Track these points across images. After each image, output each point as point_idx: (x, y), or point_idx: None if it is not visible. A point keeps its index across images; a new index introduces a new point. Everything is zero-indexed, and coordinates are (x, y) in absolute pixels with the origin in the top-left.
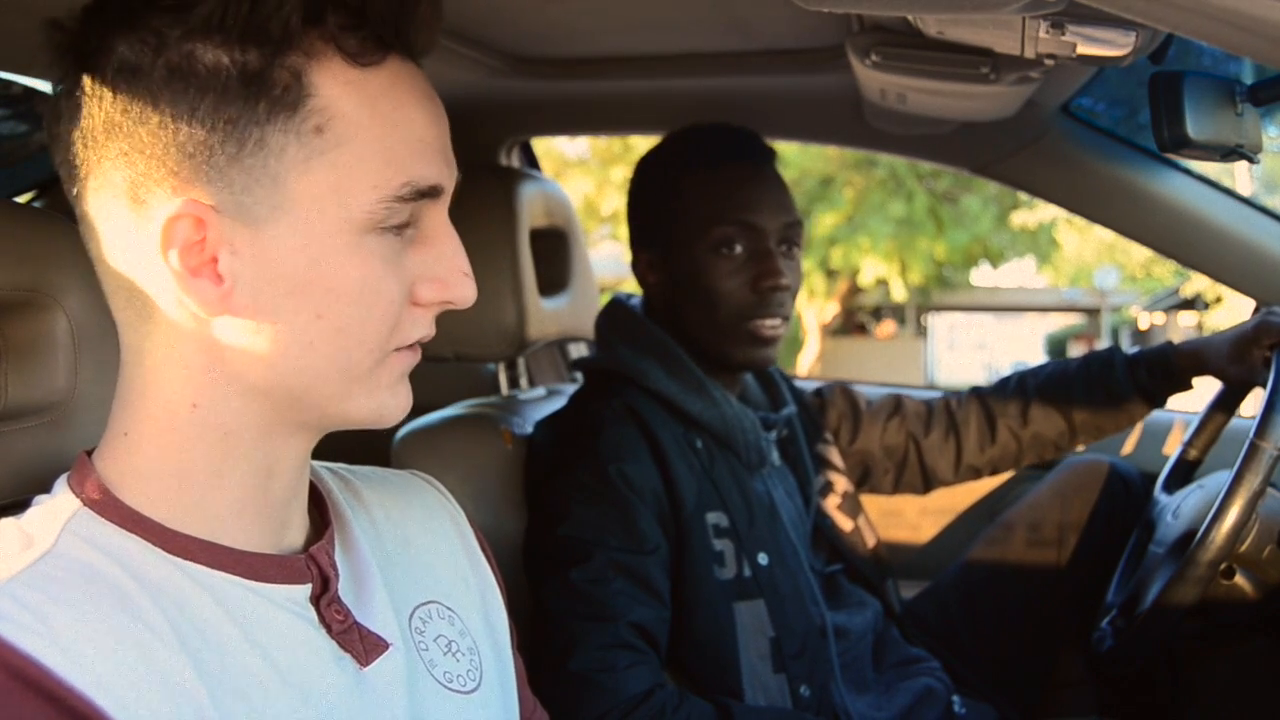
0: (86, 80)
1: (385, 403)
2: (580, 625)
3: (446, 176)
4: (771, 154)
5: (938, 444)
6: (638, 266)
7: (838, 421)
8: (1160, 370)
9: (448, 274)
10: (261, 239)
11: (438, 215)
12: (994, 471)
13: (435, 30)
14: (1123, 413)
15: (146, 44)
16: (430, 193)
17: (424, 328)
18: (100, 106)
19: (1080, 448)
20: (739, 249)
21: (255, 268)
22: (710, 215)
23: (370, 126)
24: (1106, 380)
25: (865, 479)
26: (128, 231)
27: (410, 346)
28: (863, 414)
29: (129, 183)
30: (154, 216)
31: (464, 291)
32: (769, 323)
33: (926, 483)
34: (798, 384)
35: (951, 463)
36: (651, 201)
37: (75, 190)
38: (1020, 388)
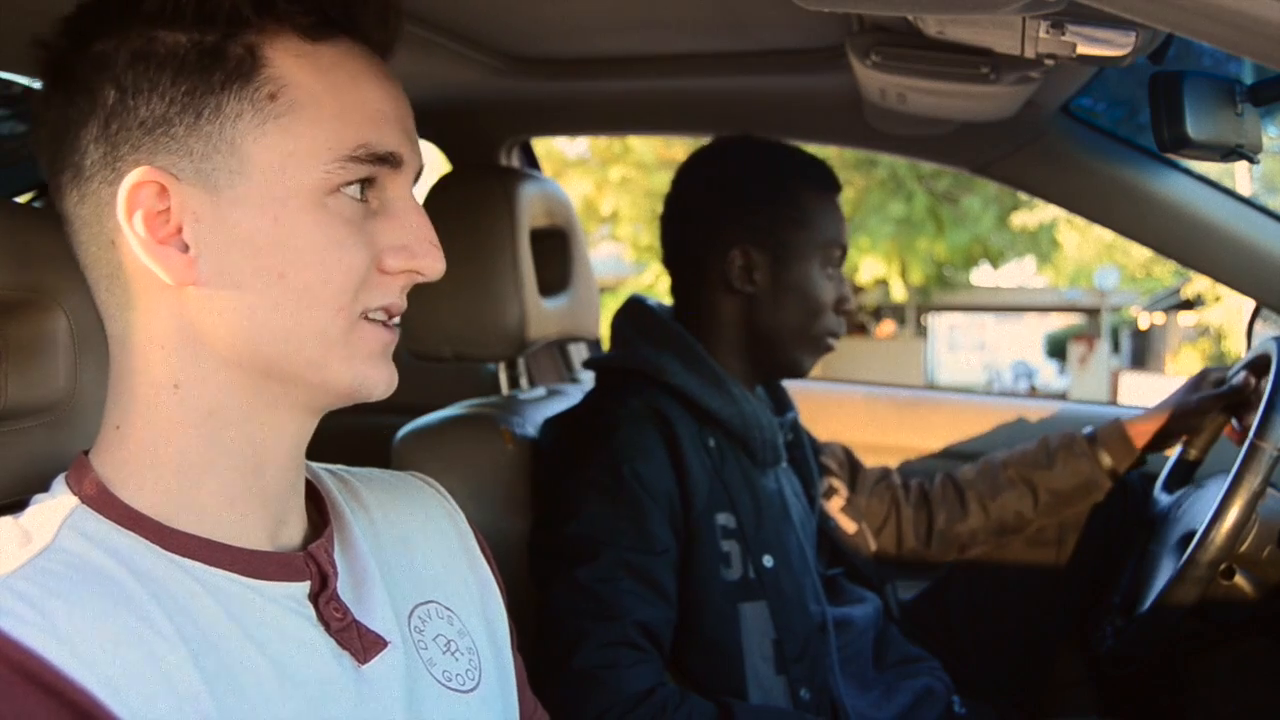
0: (61, 79)
1: (364, 373)
2: (586, 623)
3: (408, 150)
4: None
5: (911, 518)
6: (727, 258)
7: (837, 470)
8: (1116, 441)
9: (414, 243)
10: (222, 205)
11: (401, 188)
12: (962, 551)
13: (388, 21)
14: (1084, 485)
15: (113, 37)
16: (389, 160)
17: (392, 295)
18: (73, 100)
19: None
20: (832, 270)
21: (218, 234)
22: (829, 234)
23: (323, 93)
24: (1068, 453)
25: None
26: (102, 214)
27: (385, 323)
28: (860, 471)
29: (99, 165)
30: (121, 191)
31: (430, 261)
32: (836, 339)
33: (899, 552)
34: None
35: (924, 535)
36: (765, 204)
37: (57, 185)
38: (987, 464)
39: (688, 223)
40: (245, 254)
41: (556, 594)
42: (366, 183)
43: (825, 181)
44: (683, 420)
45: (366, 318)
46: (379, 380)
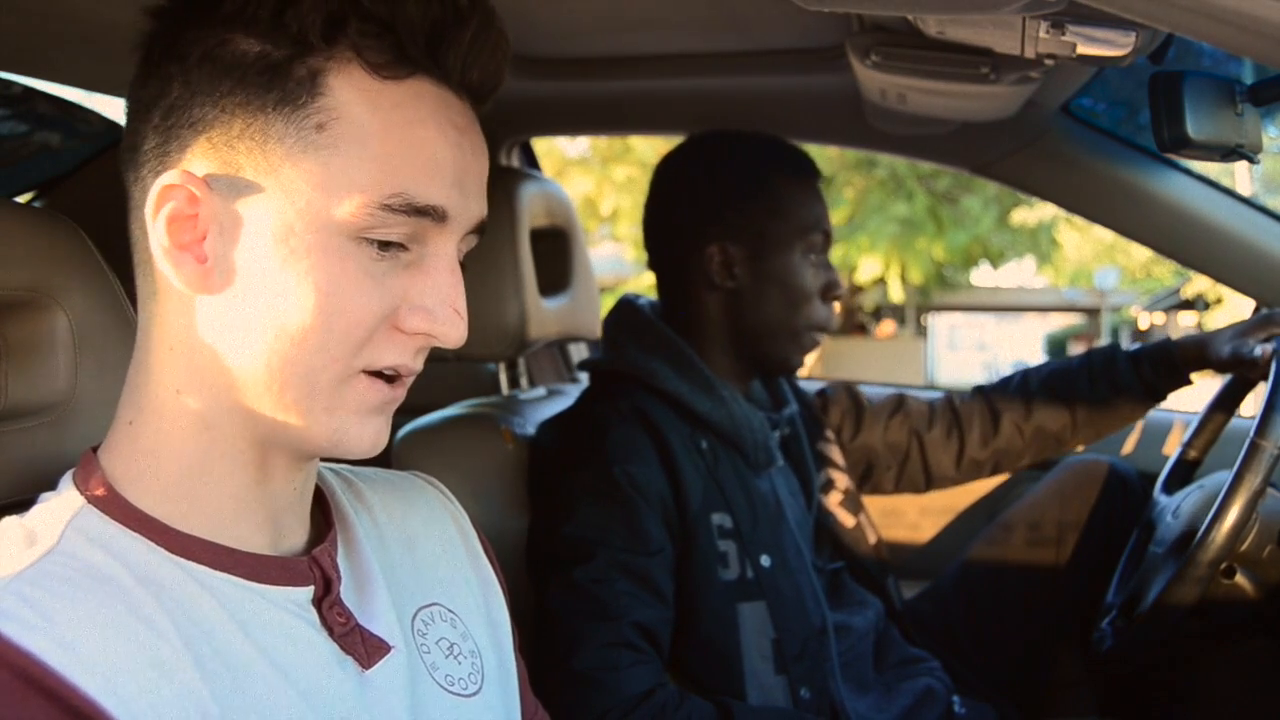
0: (146, 58)
1: (346, 428)
2: (583, 624)
3: (456, 204)
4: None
5: (940, 440)
6: (705, 255)
7: (840, 418)
8: (1162, 364)
9: (436, 307)
10: (246, 223)
11: (442, 245)
12: (996, 469)
13: (485, 63)
14: (1126, 407)
15: (195, 33)
16: (430, 213)
17: (401, 356)
18: (146, 83)
19: (1080, 446)
20: (816, 257)
21: (233, 250)
22: (808, 220)
23: (374, 133)
24: (1110, 375)
25: (867, 477)
26: (145, 202)
27: (389, 380)
28: (866, 411)
29: (150, 154)
30: (153, 190)
31: (450, 329)
32: (825, 332)
33: (928, 480)
34: (800, 385)
35: (954, 457)
36: (738, 197)
37: (121, 159)
38: (1023, 383)
39: (666, 223)
40: (255, 279)
41: (553, 595)
42: (407, 237)
43: (799, 167)
44: (672, 423)
45: (366, 373)
46: (363, 439)
